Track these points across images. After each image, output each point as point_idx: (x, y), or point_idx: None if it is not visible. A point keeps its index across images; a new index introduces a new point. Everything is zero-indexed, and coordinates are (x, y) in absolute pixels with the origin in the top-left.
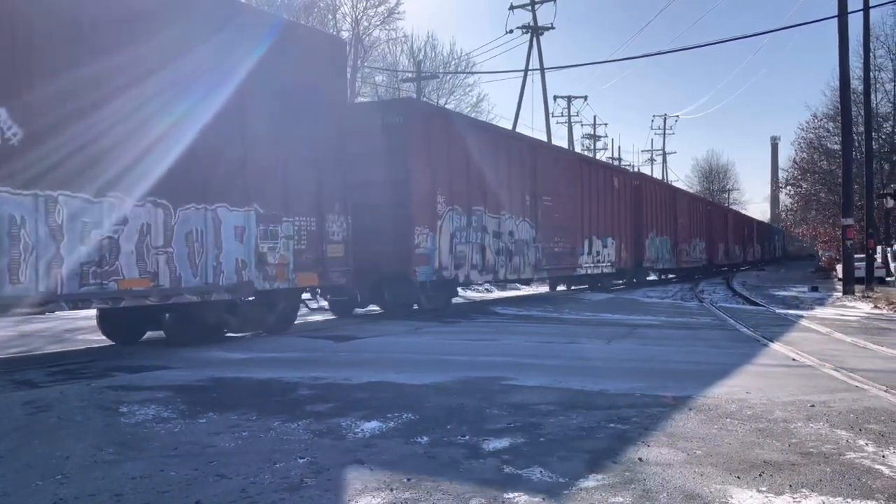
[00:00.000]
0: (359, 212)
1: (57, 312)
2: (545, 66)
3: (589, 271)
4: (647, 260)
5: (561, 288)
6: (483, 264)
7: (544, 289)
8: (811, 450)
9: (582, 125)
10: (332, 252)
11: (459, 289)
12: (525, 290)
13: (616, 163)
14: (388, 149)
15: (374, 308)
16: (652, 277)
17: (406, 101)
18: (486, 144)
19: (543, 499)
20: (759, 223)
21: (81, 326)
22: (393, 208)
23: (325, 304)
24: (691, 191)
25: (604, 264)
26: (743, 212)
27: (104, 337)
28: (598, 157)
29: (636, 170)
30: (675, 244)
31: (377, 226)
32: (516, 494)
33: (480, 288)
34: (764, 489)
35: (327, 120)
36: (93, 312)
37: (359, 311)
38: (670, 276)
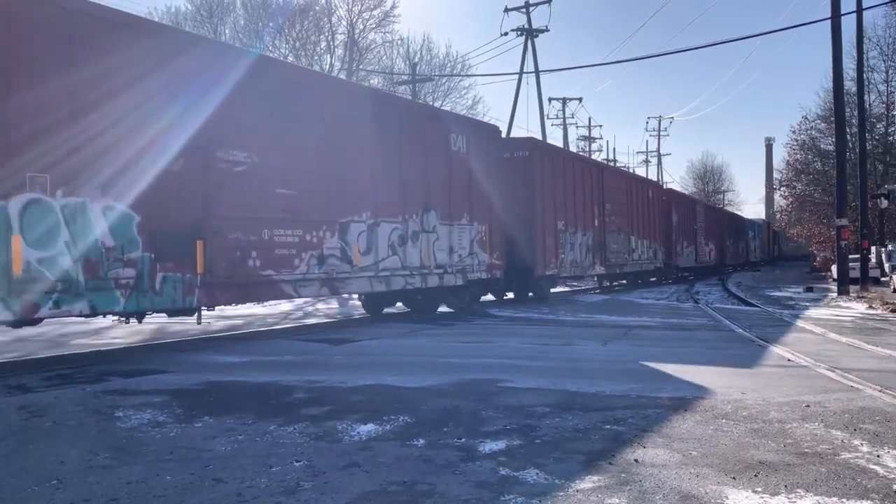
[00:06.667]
0: None
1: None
2: (540, 68)
3: None
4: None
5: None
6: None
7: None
8: (806, 450)
9: (577, 127)
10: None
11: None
12: None
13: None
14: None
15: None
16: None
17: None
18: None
19: (539, 501)
20: (714, 209)
21: (76, 331)
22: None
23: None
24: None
25: None
26: (734, 210)
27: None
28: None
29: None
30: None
31: None
32: (512, 497)
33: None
34: (759, 490)
35: None
36: (80, 319)
37: None
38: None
